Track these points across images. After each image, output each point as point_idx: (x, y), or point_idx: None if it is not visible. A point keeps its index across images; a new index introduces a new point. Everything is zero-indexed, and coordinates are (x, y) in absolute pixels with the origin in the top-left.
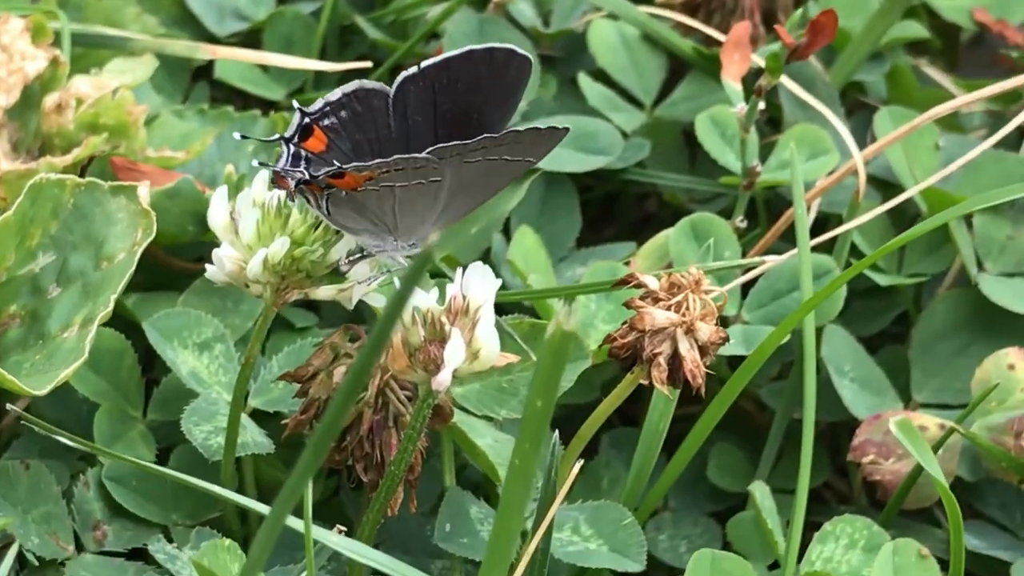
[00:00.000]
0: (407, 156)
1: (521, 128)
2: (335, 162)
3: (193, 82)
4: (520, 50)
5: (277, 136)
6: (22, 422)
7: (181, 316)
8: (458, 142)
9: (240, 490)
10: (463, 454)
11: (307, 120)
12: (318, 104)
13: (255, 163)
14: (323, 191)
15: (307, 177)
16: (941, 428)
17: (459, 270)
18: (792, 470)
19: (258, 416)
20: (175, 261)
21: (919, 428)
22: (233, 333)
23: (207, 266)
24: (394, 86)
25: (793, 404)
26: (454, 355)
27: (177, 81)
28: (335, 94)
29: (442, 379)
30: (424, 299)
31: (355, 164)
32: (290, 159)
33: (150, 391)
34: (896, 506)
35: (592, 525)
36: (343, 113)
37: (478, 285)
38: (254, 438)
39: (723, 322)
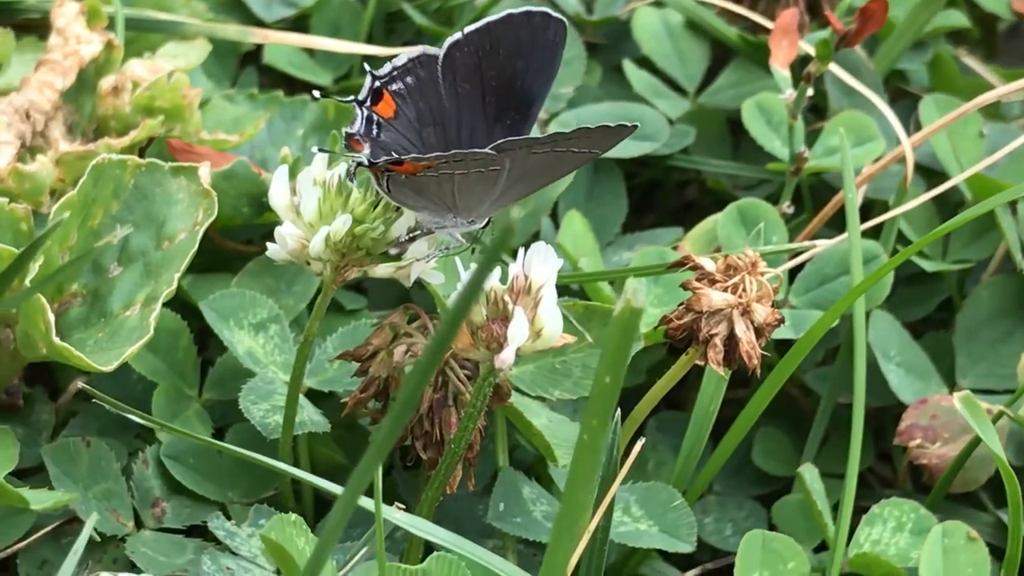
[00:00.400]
0: (466, 152)
1: (592, 126)
2: (401, 129)
3: (241, 67)
4: (555, 13)
5: (351, 98)
6: (92, 399)
7: (237, 297)
8: (527, 137)
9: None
10: (514, 435)
11: (377, 84)
12: (386, 68)
13: (315, 150)
14: (384, 173)
15: (367, 162)
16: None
17: (520, 250)
18: (836, 455)
19: (313, 396)
20: (227, 242)
21: None
22: (286, 314)
23: (268, 244)
24: (441, 52)
25: (838, 389)
26: (518, 333)
27: (226, 66)
28: (401, 58)
29: (506, 357)
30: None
31: (413, 156)
32: (364, 123)
33: (204, 371)
34: (943, 489)
35: (642, 506)
36: (408, 79)
37: (540, 265)
38: (311, 417)
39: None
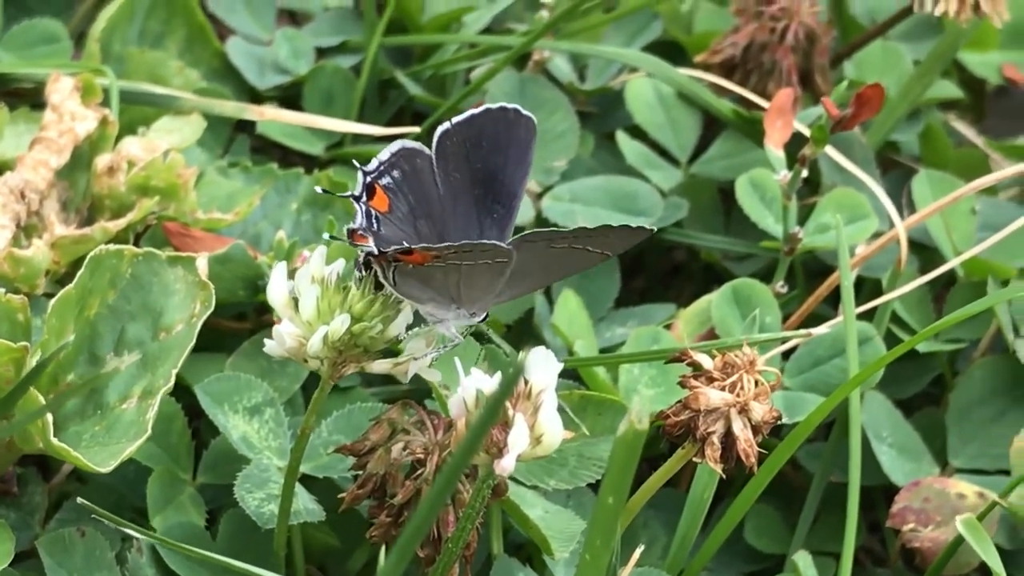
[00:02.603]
0: (475, 243)
1: (614, 224)
2: (397, 223)
3: (234, 132)
4: (524, 111)
5: (348, 193)
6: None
7: (232, 380)
8: (550, 230)
9: (289, 556)
10: (508, 517)
11: (368, 179)
12: (373, 164)
13: (326, 236)
14: (390, 263)
15: (376, 252)
16: (979, 496)
17: (521, 353)
18: (828, 532)
19: (306, 480)
20: (220, 321)
21: (957, 496)
22: (280, 395)
23: (266, 341)
24: (434, 141)
25: (831, 467)
26: (518, 441)
27: (218, 134)
28: (384, 154)
29: (506, 464)
30: (487, 383)
31: (423, 245)
32: (364, 217)
33: (197, 452)
34: (936, 573)
35: None
36: (395, 173)
37: (541, 369)
38: (306, 505)
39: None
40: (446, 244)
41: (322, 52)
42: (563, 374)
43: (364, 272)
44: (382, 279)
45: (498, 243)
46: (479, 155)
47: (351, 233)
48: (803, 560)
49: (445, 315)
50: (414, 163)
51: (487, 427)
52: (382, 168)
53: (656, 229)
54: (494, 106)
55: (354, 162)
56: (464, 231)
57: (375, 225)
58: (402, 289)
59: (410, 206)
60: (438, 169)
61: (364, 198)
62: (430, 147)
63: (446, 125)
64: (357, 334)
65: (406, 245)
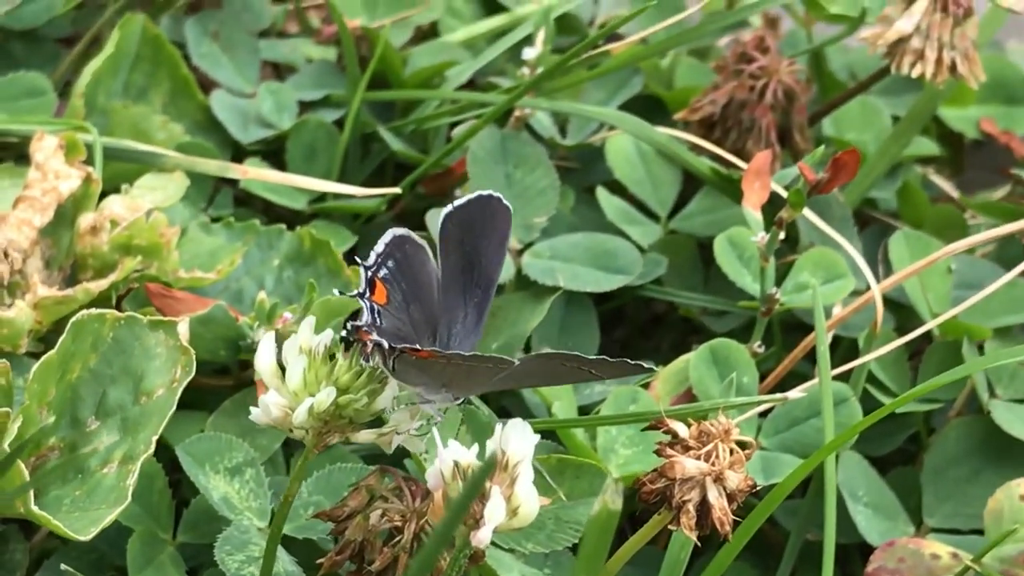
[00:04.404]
0: (484, 356)
1: (613, 360)
2: (394, 312)
3: (217, 184)
4: (504, 200)
5: (354, 293)
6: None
7: (213, 440)
8: (557, 352)
9: None
10: None
11: (369, 274)
12: (371, 258)
13: (349, 326)
14: (394, 354)
15: (386, 347)
16: (953, 557)
17: (498, 425)
18: None
19: (286, 541)
20: (200, 379)
21: (931, 556)
22: (261, 454)
23: (252, 409)
24: (439, 224)
25: (808, 525)
26: (495, 513)
27: (201, 187)
28: (380, 245)
29: (482, 537)
30: (465, 455)
31: (434, 349)
32: (370, 314)
33: (178, 509)
34: None
35: None
36: (390, 263)
37: (517, 441)
38: (286, 568)
39: (740, 447)
40: (456, 352)
41: (305, 106)
42: (541, 434)
43: (370, 361)
44: (382, 366)
45: (504, 357)
46: (470, 239)
47: (357, 330)
48: None
49: (433, 397)
50: (404, 250)
51: (467, 506)
52: (379, 260)
53: (654, 370)
54: (484, 193)
55: (356, 259)
56: (451, 313)
57: (378, 320)
58: (400, 375)
59: (403, 293)
60: (440, 251)
61: (367, 294)
62: (415, 221)
63: (448, 208)
64: (343, 406)
65: (418, 347)
